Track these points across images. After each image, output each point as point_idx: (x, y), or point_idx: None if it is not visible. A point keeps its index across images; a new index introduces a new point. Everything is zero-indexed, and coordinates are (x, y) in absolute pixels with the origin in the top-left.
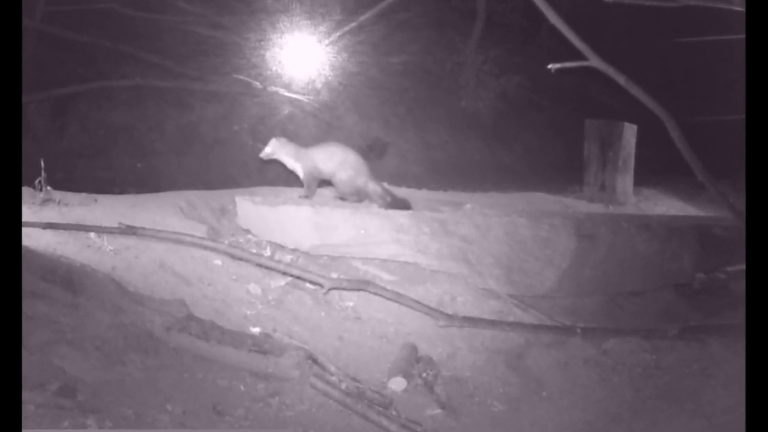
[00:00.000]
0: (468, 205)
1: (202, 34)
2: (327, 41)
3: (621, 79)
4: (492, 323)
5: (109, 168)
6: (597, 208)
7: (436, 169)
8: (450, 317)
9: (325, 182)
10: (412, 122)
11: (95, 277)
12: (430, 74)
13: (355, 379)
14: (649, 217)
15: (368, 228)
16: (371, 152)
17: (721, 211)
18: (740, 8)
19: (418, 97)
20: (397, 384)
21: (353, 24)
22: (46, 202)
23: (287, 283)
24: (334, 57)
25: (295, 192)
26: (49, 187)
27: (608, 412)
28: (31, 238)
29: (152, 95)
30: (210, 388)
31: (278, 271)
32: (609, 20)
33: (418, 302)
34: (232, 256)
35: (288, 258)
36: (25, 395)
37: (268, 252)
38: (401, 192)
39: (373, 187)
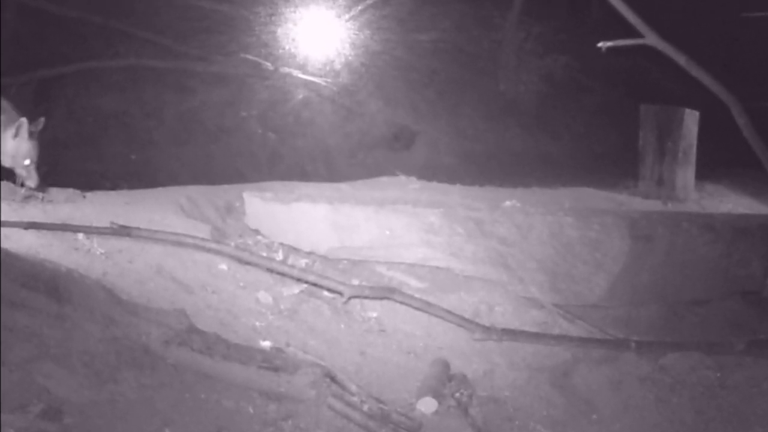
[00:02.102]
0: (507, 203)
1: (205, 8)
2: (347, 16)
3: (681, 59)
4: (534, 336)
5: (100, 160)
6: (654, 205)
7: (471, 161)
8: (487, 329)
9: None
10: (443, 108)
11: (84, 284)
12: (463, 54)
13: (378, 400)
14: (712, 216)
15: (394, 228)
16: (397, 142)
17: None
18: None
19: (450, 80)
20: (427, 405)
21: None
22: (27, 198)
23: (302, 291)
24: (355, 34)
25: (311, 187)
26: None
27: None
28: (10, 240)
29: (148, 77)
30: (214, 410)
31: (292, 278)
32: None
33: (450, 312)
34: (240, 260)
35: (303, 262)
36: (4, 418)
37: (280, 255)
38: (432, 187)
39: None
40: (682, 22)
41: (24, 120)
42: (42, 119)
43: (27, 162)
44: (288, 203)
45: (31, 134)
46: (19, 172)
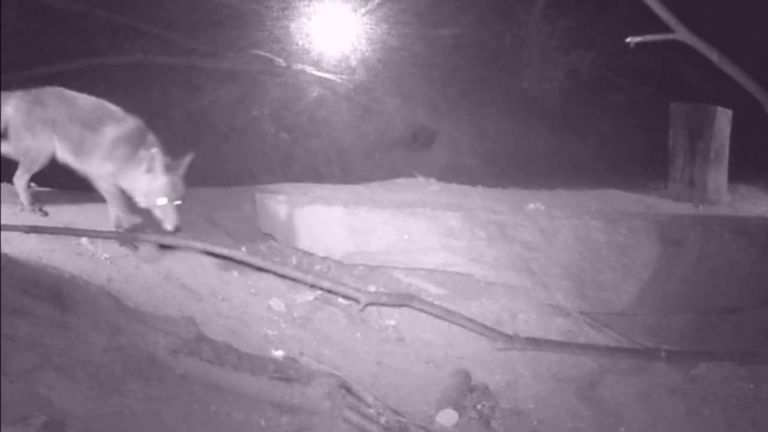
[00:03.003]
0: (531, 205)
1: (215, 2)
2: (364, 10)
3: (713, 55)
4: (560, 345)
5: None
6: (685, 208)
7: (494, 162)
8: (510, 338)
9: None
10: (464, 107)
11: (88, 290)
12: (486, 49)
13: (396, 412)
14: (746, 220)
15: (412, 232)
16: (416, 142)
17: None
18: None
19: (471, 77)
20: (447, 417)
21: None
22: (32, 205)
23: (316, 298)
24: (372, 29)
25: (326, 189)
26: (33, 184)
27: None
28: (11, 244)
29: (155, 75)
30: (224, 423)
31: (305, 284)
32: None
33: (471, 320)
34: (251, 266)
35: (317, 268)
36: (5, 431)
37: (293, 261)
38: (452, 189)
39: None
40: (714, 17)
41: (155, 151)
42: (191, 155)
43: (162, 201)
44: (302, 206)
45: (168, 168)
46: (154, 212)
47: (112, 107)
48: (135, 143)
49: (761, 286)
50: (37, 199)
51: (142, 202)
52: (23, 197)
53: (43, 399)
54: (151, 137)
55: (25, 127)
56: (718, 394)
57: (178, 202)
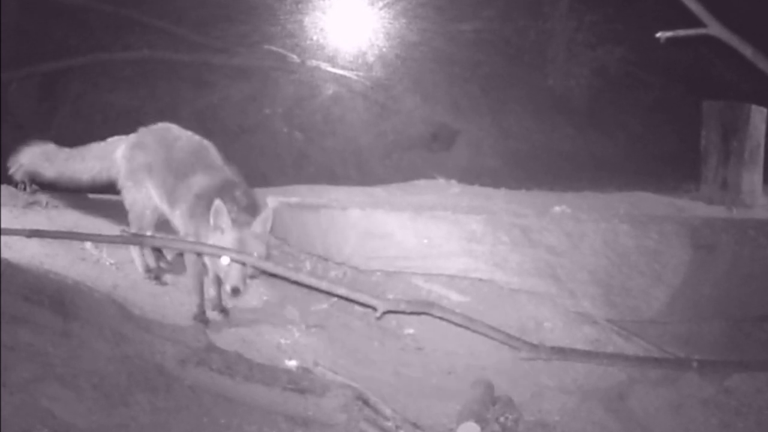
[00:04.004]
0: (557, 208)
1: None
2: (381, 3)
3: (747, 51)
4: (587, 355)
5: None
6: (717, 211)
7: (517, 163)
8: (534, 348)
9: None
10: (486, 105)
11: (92, 297)
12: (509, 45)
13: (416, 425)
14: None
15: (432, 236)
16: (436, 142)
17: None
18: None
19: (494, 74)
20: (469, 431)
21: None
22: (30, 204)
23: (331, 305)
24: (390, 23)
25: (342, 191)
26: (35, 186)
27: None
28: (12, 249)
29: (163, 71)
30: None
31: (320, 290)
32: None
33: (494, 329)
34: (263, 271)
35: (332, 274)
36: None
37: (307, 266)
38: (474, 191)
39: None
40: (748, 10)
41: (218, 204)
42: (269, 210)
43: (224, 260)
44: (316, 209)
45: (237, 224)
46: (217, 272)
47: (212, 153)
48: (215, 197)
49: None
50: (37, 201)
51: (210, 265)
52: (137, 262)
53: (45, 411)
54: (238, 193)
55: (128, 176)
56: (753, 406)
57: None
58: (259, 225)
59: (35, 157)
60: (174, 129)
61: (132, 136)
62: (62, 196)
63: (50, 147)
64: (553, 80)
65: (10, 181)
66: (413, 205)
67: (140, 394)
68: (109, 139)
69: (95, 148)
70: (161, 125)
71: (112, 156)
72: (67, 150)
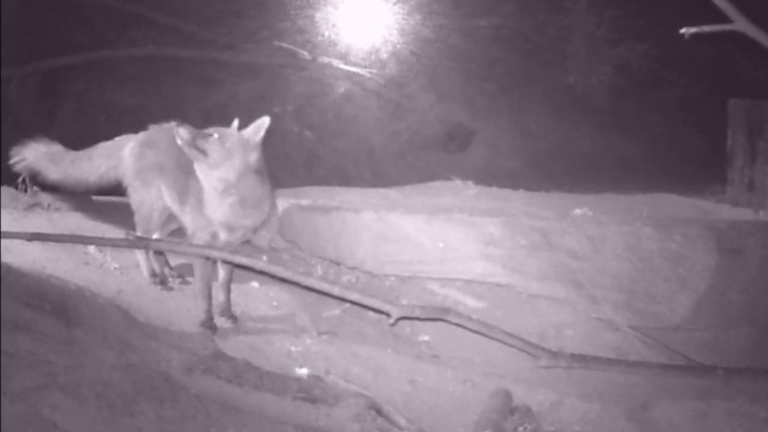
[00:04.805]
0: (577, 211)
1: None
2: None
3: None
4: (608, 363)
5: None
6: (744, 213)
7: (537, 163)
8: (554, 355)
9: None
10: (504, 104)
11: (95, 303)
12: (528, 41)
13: None
14: None
15: (448, 240)
16: (452, 142)
17: None
18: None
19: (512, 72)
20: None
21: None
22: (31, 206)
23: (344, 311)
24: (405, 19)
25: (354, 193)
26: (35, 187)
27: None
28: (12, 253)
29: (168, 68)
30: None
31: (332, 296)
32: None
33: (512, 336)
34: (273, 276)
35: (345, 278)
36: None
37: (319, 271)
38: (491, 193)
39: None
40: None
41: (215, 137)
42: (264, 120)
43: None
44: (328, 211)
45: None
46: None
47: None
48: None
49: None
50: (39, 203)
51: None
52: (143, 266)
53: (46, 421)
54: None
55: (136, 174)
56: None
57: None
58: (252, 131)
59: (40, 156)
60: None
61: (141, 134)
62: (65, 198)
63: (57, 148)
64: (574, 78)
65: (11, 182)
66: (428, 207)
67: (145, 403)
68: (117, 138)
69: (102, 147)
70: (173, 123)
71: (120, 154)
72: (73, 152)
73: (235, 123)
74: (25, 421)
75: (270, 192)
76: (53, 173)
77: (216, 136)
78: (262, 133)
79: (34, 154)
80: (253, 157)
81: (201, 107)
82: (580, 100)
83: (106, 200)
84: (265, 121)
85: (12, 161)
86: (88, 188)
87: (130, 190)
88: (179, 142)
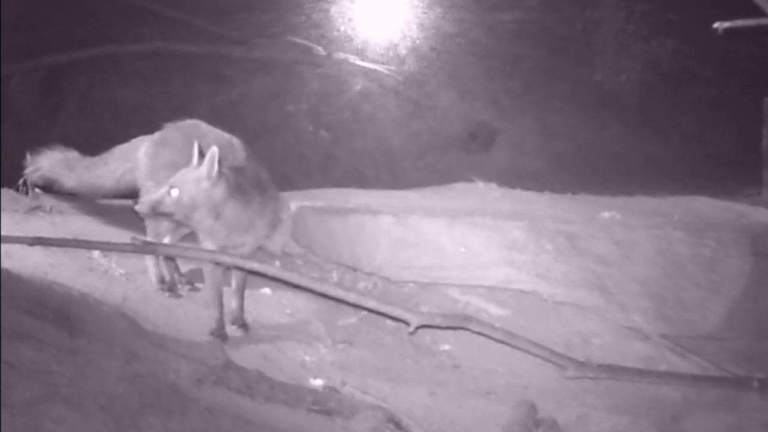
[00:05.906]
0: (605, 214)
1: None
2: None
3: None
4: (638, 374)
5: None
6: None
7: (563, 164)
8: (581, 365)
9: None
10: (529, 102)
11: (100, 311)
12: (554, 36)
13: None
14: None
15: (470, 244)
16: (474, 142)
17: None
18: None
19: (537, 68)
20: None
21: None
22: (33, 209)
23: (360, 319)
24: (424, 13)
25: (372, 195)
26: (37, 190)
27: None
28: (13, 258)
29: (177, 65)
30: None
31: (348, 303)
32: None
33: (537, 345)
34: (286, 283)
35: (361, 285)
36: None
37: (334, 277)
38: (515, 195)
39: None
40: None
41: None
42: (214, 150)
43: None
44: (344, 214)
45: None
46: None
47: (237, 148)
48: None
49: None
50: (40, 206)
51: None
52: (151, 272)
53: None
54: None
55: (149, 175)
56: None
57: None
58: (207, 166)
59: (56, 164)
60: (202, 125)
61: (157, 133)
62: (68, 201)
63: (73, 155)
64: (602, 75)
65: (11, 184)
66: (449, 210)
67: (153, 416)
68: (133, 140)
69: (118, 150)
70: (188, 121)
71: (135, 155)
72: (89, 158)
73: (196, 146)
74: None
75: (264, 206)
76: (70, 180)
77: (173, 192)
78: (215, 166)
79: (49, 162)
80: (219, 190)
81: (211, 105)
82: (608, 98)
83: (111, 203)
84: (214, 151)
85: (27, 171)
86: (105, 193)
87: (143, 192)
88: (140, 216)
